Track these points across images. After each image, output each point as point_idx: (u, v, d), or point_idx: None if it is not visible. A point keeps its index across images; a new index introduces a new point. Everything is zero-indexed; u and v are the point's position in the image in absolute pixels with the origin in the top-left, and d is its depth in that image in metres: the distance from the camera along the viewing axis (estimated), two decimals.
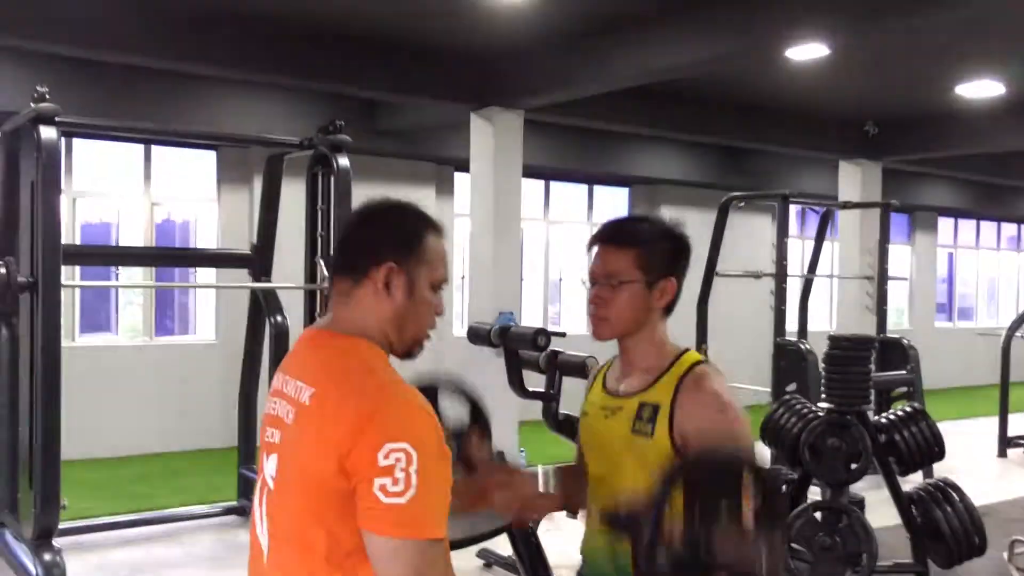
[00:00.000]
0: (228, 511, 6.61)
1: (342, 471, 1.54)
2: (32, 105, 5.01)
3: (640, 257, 2.08)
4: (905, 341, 8.48)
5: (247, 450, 6.70)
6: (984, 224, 16.98)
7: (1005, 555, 5.57)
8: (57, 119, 5.00)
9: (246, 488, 6.63)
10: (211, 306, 9.72)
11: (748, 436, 2.07)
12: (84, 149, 8.87)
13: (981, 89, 8.50)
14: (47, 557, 4.79)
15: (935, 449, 5.63)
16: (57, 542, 4.94)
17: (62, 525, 5.14)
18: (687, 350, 2.15)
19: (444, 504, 1.58)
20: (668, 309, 2.15)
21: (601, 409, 2.18)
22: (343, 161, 5.82)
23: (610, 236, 2.14)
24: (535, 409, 4.30)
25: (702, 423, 2.00)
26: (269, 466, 1.70)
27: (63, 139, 5.34)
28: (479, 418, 2.26)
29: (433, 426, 1.60)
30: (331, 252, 5.93)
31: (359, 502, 1.54)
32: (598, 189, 12.16)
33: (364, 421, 1.54)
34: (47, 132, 4.94)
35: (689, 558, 1.66)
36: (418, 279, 1.72)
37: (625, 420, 2.09)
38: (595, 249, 2.15)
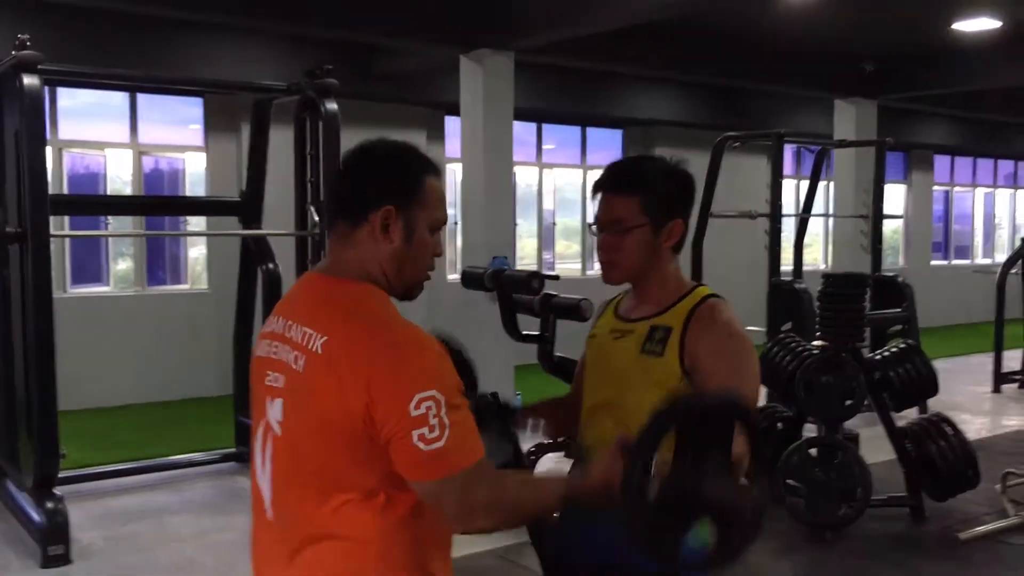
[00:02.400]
0: (225, 458, 6.65)
1: (369, 420, 1.57)
2: (13, 53, 4.92)
3: (645, 201, 2.09)
4: (900, 279, 8.48)
5: (242, 398, 6.70)
6: (980, 162, 16.89)
7: (998, 487, 5.63)
8: (39, 67, 4.91)
9: (242, 435, 6.65)
10: (202, 255, 9.69)
11: (755, 365, 2.10)
12: (70, 98, 8.75)
13: (978, 25, 8.39)
14: (48, 505, 4.83)
15: (928, 385, 5.68)
16: (58, 490, 4.97)
17: (62, 474, 5.17)
18: (700, 284, 2.18)
19: (473, 428, 1.65)
20: (677, 247, 2.17)
21: (611, 332, 2.21)
22: (331, 106, 5.73)
23: (614, 182, 2.15)
24: (530, 352, 4.30)
25: (712, 348, 2.03)
26: (273, 411, 1.70)
27: (47, 88, 5.24)
28: (464, 369, 2.25)
29: (448, 364, 1.64)
30: (321, 197, 5.87)
31: (397, 454, 1.59)
32: (591, 131, 12.04)
33: (389, 372, 1.57)
34: (29, 80, 4.86)
35: (676, 496, 1.65)
36: (417, 222, 1.72)
37: (635, 341, 2.12)
38: (599, 195, 2.16)
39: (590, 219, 2.25)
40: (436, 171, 1.78)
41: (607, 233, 2.12)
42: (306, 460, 1.65)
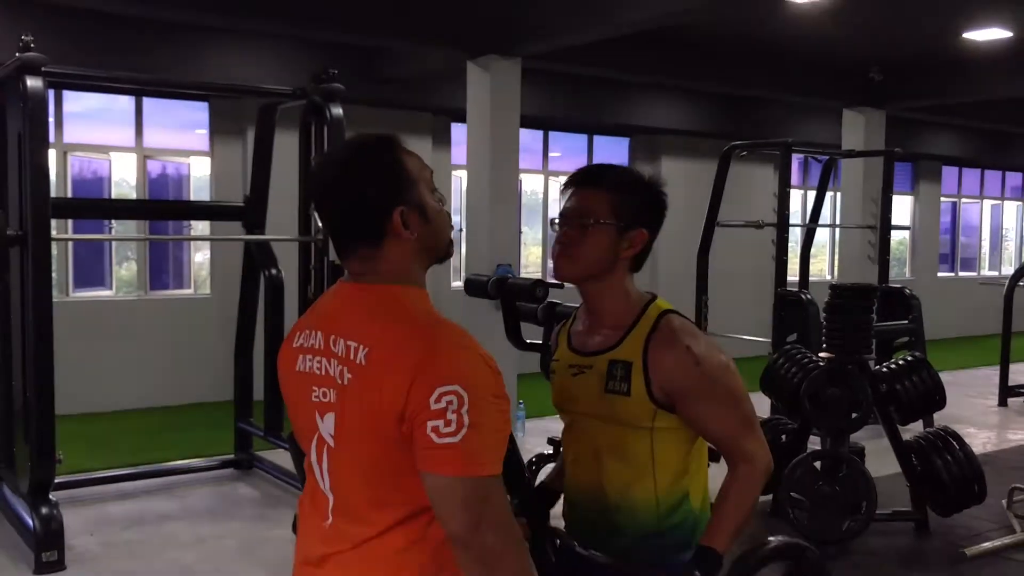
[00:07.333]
0: (225, 464, 6.61)
1: (401, 420, 1.57)
2: (17, 55, 4.90)
3: (615, 201, 2.05)
4: (907, 291, 8.43)
5: (243, 404, 6.68)
6: (988, 173, 16.81)
7: (1004, 503, 5.56)
8: (44, 69, 4.89)
9: (242, 441, 6.63)
10: (207, 259, 9.66)
11: (737, 376, 2.05)
12: (75, 102, 8.74)
13: (989, 35, 8.34)
14: (44, 511, 4.79)
15: (935, 398, 5.62)
16: (54, 496, 4.93)
17: (59, 479, 5.13)
18: (653, 298, 2.10)
19: (498, 442, 1.59)
20: (636, 262, 2.10)
21: (569, 368, 2.14)
22: (336, 111, 5.71)
23: (587, 178, 2.12)
24: (533, 361, 4.26)
25: (685, 372, 1.98)
26: (326, 425, 1.70)
27: (52, 91, 5.22)
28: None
29: (485, 366, 1.61)
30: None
31: (415, 445, 1.57)
32: (598, 139, 12.00)
33: (417, 368, 1.56)
34: (33, 82, 4.84)
35: None
36: (423, 199, 1.72)
37: (596, 379, 2.05)
38: (570, 191, 2.11)
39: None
40: (399, 145, 1.75)
41: (570, 227, 2.06)
42: (359, 472, 1.66)
